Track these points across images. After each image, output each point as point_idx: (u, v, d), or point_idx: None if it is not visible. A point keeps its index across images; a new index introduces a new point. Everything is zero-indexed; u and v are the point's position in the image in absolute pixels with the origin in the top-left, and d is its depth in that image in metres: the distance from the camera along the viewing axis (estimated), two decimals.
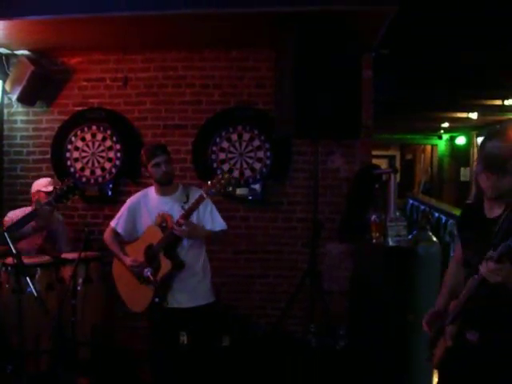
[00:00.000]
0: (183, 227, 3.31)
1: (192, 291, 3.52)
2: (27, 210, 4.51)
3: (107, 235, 3.71)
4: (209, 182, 3.33)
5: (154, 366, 3.60)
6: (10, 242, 2.97)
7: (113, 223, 3.69)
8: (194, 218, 3.44)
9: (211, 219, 3.55)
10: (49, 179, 4.67)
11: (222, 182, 3.29)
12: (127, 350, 4.83)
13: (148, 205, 3.60)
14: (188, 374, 3.49)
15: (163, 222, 3.50)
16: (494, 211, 2.31)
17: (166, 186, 3.55)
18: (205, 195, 3.32)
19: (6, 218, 4.34)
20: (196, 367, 3.49)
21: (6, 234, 3.01)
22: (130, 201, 3.72)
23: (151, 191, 3.65)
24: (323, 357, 4.30)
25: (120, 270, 3.64)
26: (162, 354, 3.53)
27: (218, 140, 5.20)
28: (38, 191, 4.54)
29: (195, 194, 3.46)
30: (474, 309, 2.25)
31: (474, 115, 10.66)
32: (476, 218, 2.40)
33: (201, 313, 3.53)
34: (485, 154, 2.25)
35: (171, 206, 3.51)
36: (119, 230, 3.64)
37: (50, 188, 4.45)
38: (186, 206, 3.38)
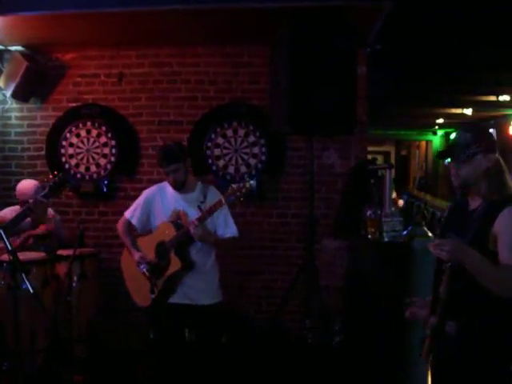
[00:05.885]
0: (197, 229, 3.29)
1: (202, 289, 3.52)
2: (16, 208, 4.50)
3: (121, 226, 3.68)
4: (229, 189, 3.30)
5: (156, 362, 3.60)
6: (5, 239, 2.97)
7: (127, 215, 3.64)
8: (208, 220, 3.42)
9: (224, 224, 3.54)
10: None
11: (243, 190, 3.27)
12: (123, 347, 4.83)
13: (164, 199, 3.57)
14: (190, 370, 3.48)
15: (178, 219, 3.47)
16: (474, 203, 2.42)
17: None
18: (223, 201, 3.30)
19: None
20: (201, 364, 3.49)
21: (1, 231, 3.00)
22: (146, 193, 3.68)
23: (169, 185, 3.59)
24: (319, 352, 4.31)
25: (129, 262, 3.63)
26: (165, 349, 3.52)
27: (213, 136, 5.19)
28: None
29: (213, 195, 3.48)
30: (451, 300, 2.31)
31: (468, 111, 10.68)
32: (460, 213, 2.51)
33: (209, 311, 3.53)
34: (450, 144, 2.47)
35: (188, 205, 3.49)
36: (134, 221, 3.61)
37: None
38: (203, 207, 3.37)
